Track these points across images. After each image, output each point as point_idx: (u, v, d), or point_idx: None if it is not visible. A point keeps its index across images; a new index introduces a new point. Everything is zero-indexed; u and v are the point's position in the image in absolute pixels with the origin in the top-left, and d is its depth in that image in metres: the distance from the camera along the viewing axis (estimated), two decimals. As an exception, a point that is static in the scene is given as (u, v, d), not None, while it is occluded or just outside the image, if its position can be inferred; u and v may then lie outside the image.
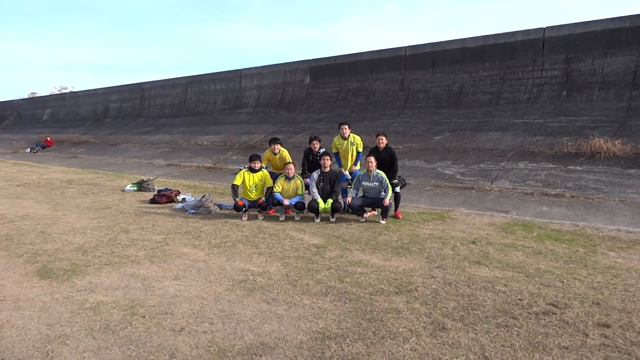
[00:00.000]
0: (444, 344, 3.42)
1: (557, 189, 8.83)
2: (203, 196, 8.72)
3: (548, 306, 4.02)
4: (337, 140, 8.57)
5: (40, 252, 5.82)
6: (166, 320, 3.85)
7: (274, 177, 8.27)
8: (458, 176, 10.50)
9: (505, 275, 4.83)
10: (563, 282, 4.60)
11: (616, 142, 9.76)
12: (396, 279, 4.78)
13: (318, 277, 4.88)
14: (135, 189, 11.16)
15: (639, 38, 11.77)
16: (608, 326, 3.63)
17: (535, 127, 11.87)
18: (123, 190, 11.18)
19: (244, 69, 22.70)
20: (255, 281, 4.78)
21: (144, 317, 3.92)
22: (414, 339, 3.50)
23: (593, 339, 3.45)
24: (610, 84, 11.89)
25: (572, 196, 8.40)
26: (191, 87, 25.39)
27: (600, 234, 6.41)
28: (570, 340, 3.43)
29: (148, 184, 11.26)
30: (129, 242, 6.34)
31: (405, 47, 16.61)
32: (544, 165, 10.01)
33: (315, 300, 4.25)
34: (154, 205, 9.33)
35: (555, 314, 3.87)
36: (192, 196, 9.70)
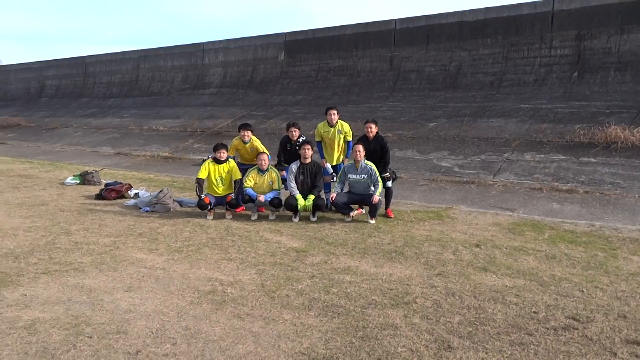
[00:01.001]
0: (451, 366, 3.36)
1: (569, 184, 8.94)
2: (160, 191, 8.56)
3: (568, 320, 4.01)
4: (322, 126, 8.45)
5: (-38, 259, 5.56)
6: (119, 342, 3.71)
7: (244, 169, 8.11)
8: (456, 169, 10.53)
9: (516, 284, 4.82)
10: (583, 291, 4.61)
11: (635, 131, 9.91)
12: (391, 289, 4.72)
13: (299, 287, 4.79)
14: (78, 182, 10.94)
15: (659, 13, 11.99)
16: (638, 343, 3.62)
17: (543, 113, 12.00)
18: (63, 184, 10.93)
19: (207, 42, 22.43)
20: (225, 292, 4.66)
21: (91, 337, 3.77)
22: (415, 360, 3.43)
23: (622, 358, 3.43)
24: (628, 65, 12.09)
25: (586, 192, 8.51)
26: (144, 62, 24.97)
27: (620, 235, 6.48)
28: (596, 360, 3.40)
29: (93, 177, 11.05)
30: (71, 246, 6.14)
31: (396, 19, 16.59)
32: (553, 157, 10.12)
33: (297, 315, 4.16)
34: (101, 201, 9.13)
35: (577, 329, 3.85)
36: (146, 191, 9.50)
